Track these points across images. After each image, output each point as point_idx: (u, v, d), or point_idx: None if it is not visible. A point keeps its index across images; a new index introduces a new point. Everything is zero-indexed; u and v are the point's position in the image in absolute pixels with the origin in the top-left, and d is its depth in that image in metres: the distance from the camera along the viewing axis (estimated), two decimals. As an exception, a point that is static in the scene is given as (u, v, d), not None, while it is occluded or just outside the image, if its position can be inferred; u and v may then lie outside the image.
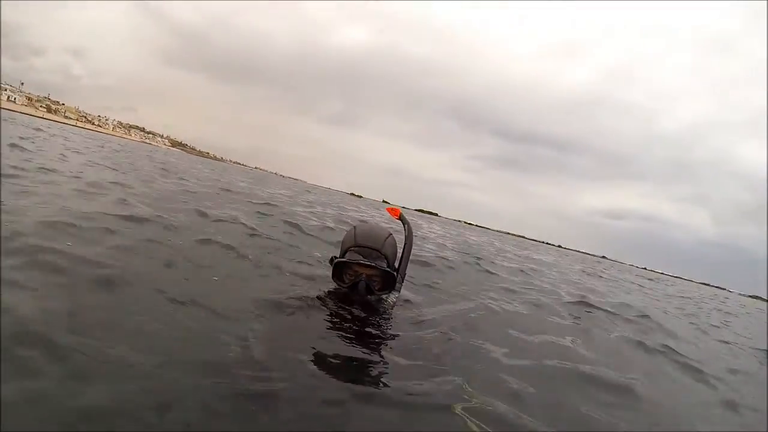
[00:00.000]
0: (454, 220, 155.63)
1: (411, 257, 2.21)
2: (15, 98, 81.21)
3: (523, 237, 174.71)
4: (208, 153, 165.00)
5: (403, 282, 2.14)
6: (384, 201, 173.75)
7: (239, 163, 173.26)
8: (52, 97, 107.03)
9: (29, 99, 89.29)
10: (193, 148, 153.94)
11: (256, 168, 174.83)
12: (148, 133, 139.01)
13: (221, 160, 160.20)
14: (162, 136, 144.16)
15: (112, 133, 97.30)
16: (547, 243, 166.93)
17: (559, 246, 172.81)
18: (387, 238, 2.06)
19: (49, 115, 79.04)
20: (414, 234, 2.36)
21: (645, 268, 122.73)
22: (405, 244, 2.19)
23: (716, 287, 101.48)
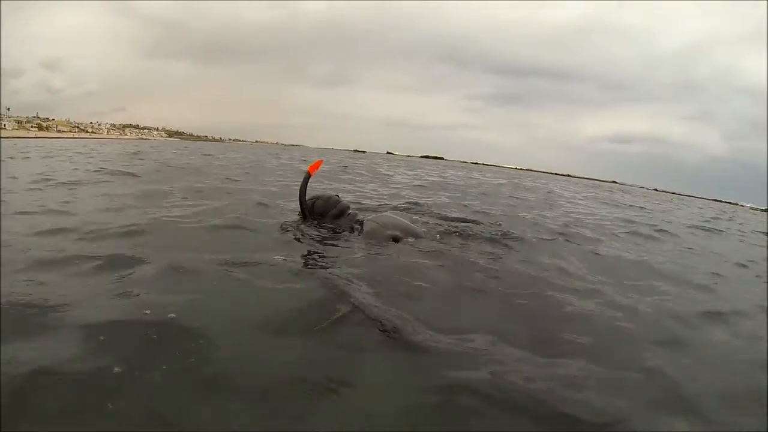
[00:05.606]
0: (460, 161, 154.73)
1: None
2: (4, 124, 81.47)
3: (531, 170, 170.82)
4: (206, 136, 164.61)
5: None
6: (388, 152, 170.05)
7: (239, 140, 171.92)
8: (40, 115, 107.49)
9: (18, 122, 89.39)
10: (191, 134, 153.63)
11: (256, 141, 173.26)
12: (143, 128, 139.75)
13: (219, 140, 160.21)
14: (157, 129, 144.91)
15: (108, 136, 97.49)
16: (556, 174, 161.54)
17: (568, 175, 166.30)
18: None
19: (42, 133, 78.88)
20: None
21: (655, 189, 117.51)
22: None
23: (728, 203, 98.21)
